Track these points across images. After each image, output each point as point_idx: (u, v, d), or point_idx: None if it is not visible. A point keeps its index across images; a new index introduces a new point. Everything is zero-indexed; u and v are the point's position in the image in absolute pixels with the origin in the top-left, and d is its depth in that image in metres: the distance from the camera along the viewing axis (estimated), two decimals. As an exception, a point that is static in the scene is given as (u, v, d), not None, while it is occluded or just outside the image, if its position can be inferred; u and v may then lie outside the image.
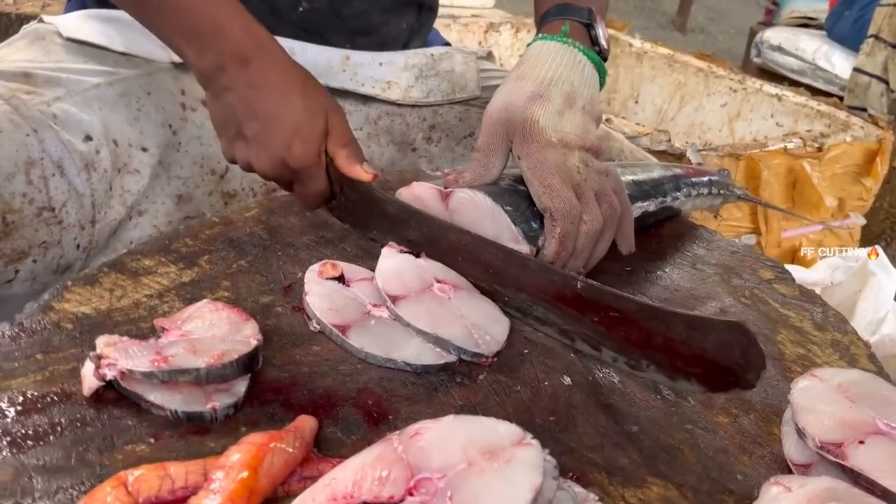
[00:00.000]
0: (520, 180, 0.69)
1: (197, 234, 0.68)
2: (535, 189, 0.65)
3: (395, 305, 0.58)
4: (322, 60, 0.89)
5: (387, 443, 0.41)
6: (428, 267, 0.64)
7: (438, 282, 0.62)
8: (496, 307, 0.63)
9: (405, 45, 0.98)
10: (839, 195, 1.59)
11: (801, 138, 1.54)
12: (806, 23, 3.39)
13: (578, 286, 0.58)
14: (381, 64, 0.94)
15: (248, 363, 0.50)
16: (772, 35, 3.19)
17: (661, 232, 0.85)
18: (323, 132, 0.66)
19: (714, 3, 6.28)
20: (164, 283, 0.61)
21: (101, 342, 0.49)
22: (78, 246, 0.76)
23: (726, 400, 0.59)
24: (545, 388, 0.56)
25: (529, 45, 0.74)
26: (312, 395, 0.51)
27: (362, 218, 0.70)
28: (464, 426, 0.42)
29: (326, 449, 0.47)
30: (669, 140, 1.33)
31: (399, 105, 0.96)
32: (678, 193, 0.85)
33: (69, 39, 0.82)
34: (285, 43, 0.80)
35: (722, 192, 0.93)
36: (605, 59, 0.75)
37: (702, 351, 0.52)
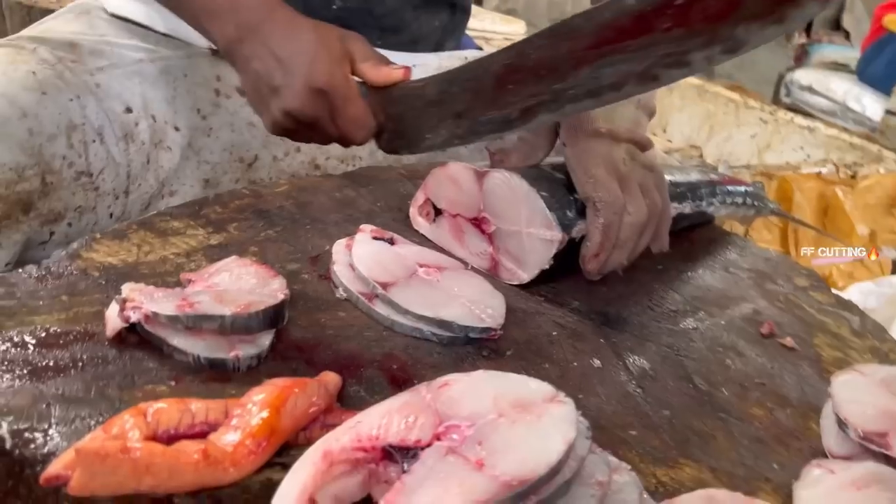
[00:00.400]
0: (558, 168, 0.68)
1: (227, 204, 0.68)
2: (578, 177, 0.64)
3: (387, 291, 0.55)
4: None
5: (414, 392, 0.40)
6: (407, 254, 0.61)
7: (421, 266, 0.60)
8: (486, 281, 0.61)
9: (438, 45, 0.98)
10: (871, 227, 1.56)
11: (833, 164, 1.51)
12: (835, 68, 3.39)
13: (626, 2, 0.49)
14: (414, 66, 0.94)
15: (274, 316, 0.48)
16: (802, 75, 3.19)
17: (693, 236, 0.83)
18: (341, 53, 0.66)
19: (742, 49, 6.28)
20: (192, 243, 0.60)
21: (127, 287, 0.48)
22: (111, 215, 0.76)
23: (761, 394, 0.57)
24: (574, 368, 0.55)
25: None
26: (337, 356, 0.50)
27: (411, 129, 0.68)
28: (494, 380, 0.41)
29: (349, 406, 0.45)
30: (701, 156, 1.31)
31: None
32: (713, 199, 0.84)
33: (113, 16, 0.84)
34: None
35: (756, 203, 0.92)
36: None
37: None
